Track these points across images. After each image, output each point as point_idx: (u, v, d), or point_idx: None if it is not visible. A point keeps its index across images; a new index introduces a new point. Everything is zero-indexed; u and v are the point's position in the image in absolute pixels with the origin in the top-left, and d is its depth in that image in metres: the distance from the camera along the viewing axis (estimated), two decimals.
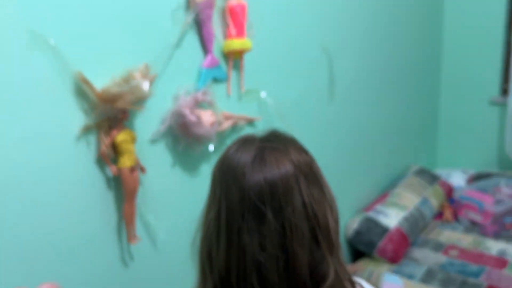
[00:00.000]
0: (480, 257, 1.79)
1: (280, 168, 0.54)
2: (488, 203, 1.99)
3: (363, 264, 1.78)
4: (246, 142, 0.58)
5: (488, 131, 2.53)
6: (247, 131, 1.22)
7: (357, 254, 1.88)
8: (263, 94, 1.22)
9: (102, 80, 0.85)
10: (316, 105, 1.51)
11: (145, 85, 0.85)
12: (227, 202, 0.55)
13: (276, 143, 0.57)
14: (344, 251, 1.85)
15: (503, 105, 2.39)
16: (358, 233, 1.80)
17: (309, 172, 0.56)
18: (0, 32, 0.72)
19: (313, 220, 0.54)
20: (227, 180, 0.55)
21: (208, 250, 0.57)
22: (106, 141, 0.86)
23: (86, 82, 0.82)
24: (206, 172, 1.12)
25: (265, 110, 1.25)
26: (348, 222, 1.84)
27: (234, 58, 1.13)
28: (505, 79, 2.38)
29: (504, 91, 2.38)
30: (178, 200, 1.06)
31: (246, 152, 0.56)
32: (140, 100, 0.88)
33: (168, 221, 1.04)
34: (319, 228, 0.55)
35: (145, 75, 0.89)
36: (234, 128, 1.16)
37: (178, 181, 1.06)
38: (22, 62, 0.75)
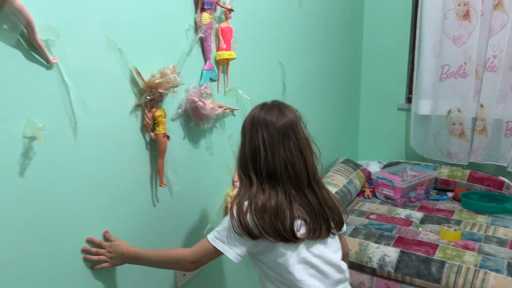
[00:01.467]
0: (392, 219, 2.25)
1: (293, 114, 1.14)
2: (397, 181, 2.45)
3: None
4: (265, 105, 1.14)
5: (397, 130, 3.02)
6: (231, 117, 1.67)
7: None
8: (240, 91, 1.68)
9: (146, 74, 1.26)
10: None
11: (177, 78, 1.28)
12: (268, 135, 1.11)
13: (283, 104, 1.09)
14: None
15: (408, 110, 2.92)
16: None
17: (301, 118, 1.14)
18: (89, 38, 1.10)
19: (309, 140, 1.11)
20: (266, 125, 1.12)
21: (253, 160, 1.13)
22: (149, 115, 1.27)
23: (138, 74, 1.22)
24: (206, 143, 1.55)
25: (242, 102, 1.71)
26: None
27: (223, 64, 1.56)
28: (410, 91, 2.92)
29: (409, 99, 2.93)
30: (187, 162, 1.47)
31: (270, 109, 1.14)
32: (172, 87, 1.30)
33: (180, 178, 1.44)
34: (311, 146, 1.11)
35: (173, 72, 1.31)
36: (223, 114, 1.61)
37: (188, 148, 1.46)
38: (102, 59, 1.12)
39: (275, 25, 1.90)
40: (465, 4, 2.47)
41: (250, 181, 1.16)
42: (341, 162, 2.70)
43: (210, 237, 1.18)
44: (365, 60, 3.05)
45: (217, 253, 1.17)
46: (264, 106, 1.19)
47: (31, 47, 0.95)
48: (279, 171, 1.13)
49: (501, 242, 2.00)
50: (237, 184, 1.68)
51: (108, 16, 1.12)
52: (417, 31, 2.72)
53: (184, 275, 1.51)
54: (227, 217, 1.16)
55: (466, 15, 2.48)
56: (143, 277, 1.35)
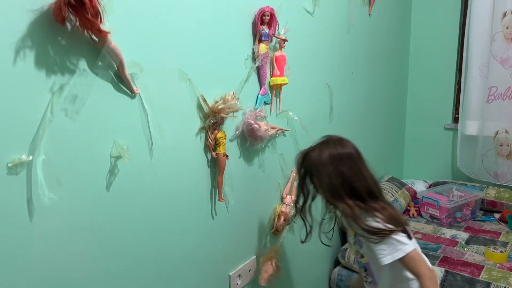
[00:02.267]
0: (437, 239, 2.28)
1: (353, 146, 1.34)
2: (443, 201, 2.46)
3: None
4: (328, 142, 1.39)
5: (443, 150, 3.03)
6: (281, 137, 1.80)
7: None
8: (291, 113, 1.81)
9: (210, 100, 1.40)
10: (321, 122, 2.06)
11: (237, 104, 1.43)
12: (352, 163, 1.34)
13: (336, 137, 1.38)
14: (337, 234, 2.38)
15: (455, 130, 2.92)
16: None
17: None
18: (165, 70, 1.25)
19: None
20: (347, 156, 1.36)
21: (345, 188, 1.32)
22: (211, 136, 1.42)
23: (204, 100, 1.38)
24: (259, 161, 1.68)
25: (292, 123, 1.83)
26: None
27: (276, 89, 1.70)
28: (456, 111, 2.93)
29: (456, 119, 2.94)
30: (242, 179, 1.60)
31: (337, 143, 1.40)
32: (232, 112, 1.45)
33: (236, 192, 1.58)
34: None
35: (233, 98, 1.45)
36: (275, 135, 1.73)
37: (243, 166, 1.60)
38: (175, 88, 1.28)
39: (324, 50, 2.02)
40: None
41: (348, 205, 1.33)
42: (386, 181, 2.75)
43: (408, 248, 1.29)
44: (412, 80, 3.10)
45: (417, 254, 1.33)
46: (328, 143, 1.41)
47: (120, 79, 1.12)
48: (374, 188, 1.36)
49: None
50: (286, 200, 1.80)
51: (180, 49, 1.28)
52: (464, 53, 2.74)
53: (237, 283, 1.64)
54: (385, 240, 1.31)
55: None
56: (199, 283, 1.48)
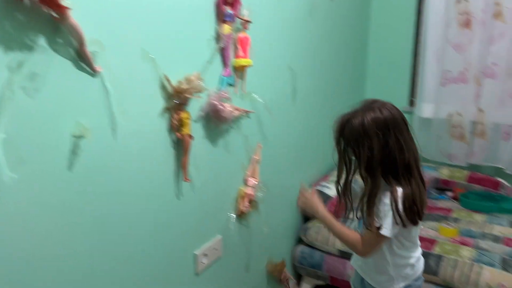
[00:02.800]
0: None
1: (399, 112, 1.30)
2: None
3: (314, 222, 2.40)
4: (370, 107, 1.31)
5: None
6: (246, 119, 1.81)
7: (309, 216, 2.49)
8: (255, 95, 1.83)
9: (174, 80, 1.39)
10: (285, 104, 2.09)
11: (202, 84, 1.43)
12: (391, 137, 1.24)
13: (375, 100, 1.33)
14: (298, 214, 2.45)
15: (411, 113, 3.00)
16: None
17: None
18: (127, 49, 1.24)
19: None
20: (394, 122, 1.25)
21: (384, 161, 1.25)
22: (176, 117, 1.42)
23: (168, 80, 1.37)
24: (224, 143, 1.70)
25: (256, 105, 1.85)
26: None
27: (240, 70, 1.72)
28: (412, 94, 3.04)
29: (411, 103, 3.05)
30: (207, 160, 1.62)
31: (380, 107, 1.29)
32: (197, 92, 1.45)
33: (201, 173, 1.59)
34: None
35: (197, 78, 1.45)
36: (239, 117, 1.75)
37: (208, 147, 1.61)
38: (138, 67, 1.27)
39: (287, 32, 2.04)
40: (466, 13, 2.60)
41: (377, 184, 1.27)
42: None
43: (385, 232, 1.28)
44: (370, 64, 3.19)
45: (384, 240, 1.34)
46: (373, 108, 1.27)
47: (80, 57, 1.09)
48: (412, 162, 1.27)
49: (496, 239, 2.13)
50: (249, 182, 1.82)
51: (142, 28, 1.26)
52: (420, 38, 2.84)
53: (203, 262, 1.66)
54: (390, 213, 1.27)
55: (467, 24, 2.61)
56: (165, 261, 1.50)
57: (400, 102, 3.10)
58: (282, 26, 1.98)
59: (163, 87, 1.37)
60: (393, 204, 1.27)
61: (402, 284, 1.45)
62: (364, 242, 1.37)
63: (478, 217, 2.41)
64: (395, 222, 1.28)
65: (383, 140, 1.24)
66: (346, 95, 2.92)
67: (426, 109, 2.88)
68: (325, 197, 2.38)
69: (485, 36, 2.58)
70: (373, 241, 1.34)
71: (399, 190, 1.27)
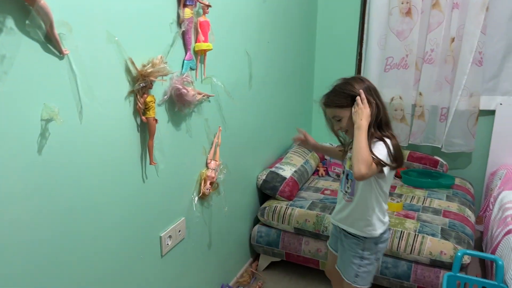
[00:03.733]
0: None
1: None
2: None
3: (270, 202, 2.50)
4: (359, 78, 1.63)
5: None
6: (206, 103, 1.84)
7: (265, 197, 2.54)
8: (215, 79, 1.86)
9: (138, 64, 1.40)
10: (242, 89, 2.14)
11: (166, 67, 1.44)
12: (379, 98, 1.57)
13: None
14: (255, 195, 2.53)
15: None
16: (265, 181, 2.44)
17: None
18: (93, 32, 1.23)
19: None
20: (376, 89, 1.58)
21: (377, 118, 1.55)
22: (141, 100, 1.42)
23: (133, 63, 1.37)
24: (186, 126, 1.72)
25: (216, 89, 1.89)
26: (258, 175, 2.47)
27: (201, 55, 1.74)
28: None
29: None
30: (171, 143, 1.64)
31: (366, 79, 1.61)
32: (162, 76, 1.45)
33: (166, 156, 1.61)
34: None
35: (161, 62, 1.46)
36: (200, 100, 1.77)
37: (171, 131, 1.63)
38: (103, 50, 1.25)
39: (243, 18, 2.08)
40: (407, 2, 2.77)
41: (372, 132, 1.53)
42: (298, 145, 2.94)
43: (385, 168, 1.53)
44: (319, 50, 3.30)
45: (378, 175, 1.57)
46: (361, 79, 1.61)
47: (48, 40, 1.07)
48: (388, 119, 1.61)
49: (436, 212, 2.34)
50: (210, 165, 1.87)
51: (107, 11, 1.25)
52: (365, 25, 3.00)
53: (168, 244, 1.69)
54: (385, 151, 1.52)
55: (408, 12, 2.78)
56: (131, 245, 1.51)
57: None
58: (239, 10, 2.02)
59: (128, 70, 1.37)
60: (388, 150, 1.52)
61: (380, 230, 1.66)
62: (370, 167, 1.48)
63: (419, 193, 2.62)
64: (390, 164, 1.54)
65: (378, 102, 1.55)
66: (298, 81, 3.02)
67: None
68: (280, 178, 2.47)
69: (424, 24, 2.77)
70: (374, 169, 1.50)
71: (388, 141, 1.54)
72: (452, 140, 2.89)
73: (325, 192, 2.60)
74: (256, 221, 2.51)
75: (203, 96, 1.76)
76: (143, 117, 1.44)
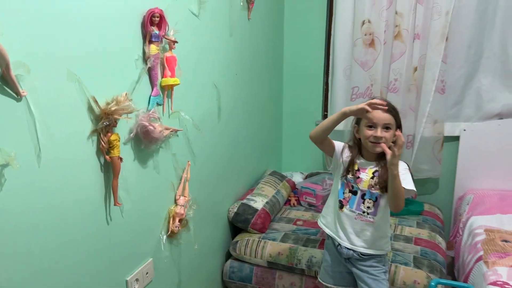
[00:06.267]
0: (316, 224, 2.53)
1: None
2: (319, 190, 2.73)
3: (242, 236, 2.42)
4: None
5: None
6: (174, 137, 1.80)
7: (237, 230, 2.48)
8: (183, 114, 1.83)
9: (102, 102, 1.35)
10: (211, 122, 2.11)
11: (131, 105, 1.40)
12: None
13: None
14: (227, 229, 2.47)
15: None
16: (237, 214, 2.39)
17: None
18: (53, 71, 1.18)
19: None
20: None
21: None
22: (104, 139, 1.37)
23: (95, 101, 1.33)
24: (154, 163, 1.67)
25: (184, 123, 1.85)
26: (230, 208, 2.43)
27: (168, 89, 1.71)
28: (325, 108, 3.22)
29: (325, 116, 3.22)
30: (138, 182, 1.58)
31: None
32: (126, 113, 1.41)
33: (132, 195, 1.55)
34: None
35: (126, 99, 1.42)
36: (168, 136, 1.73)
37: (138, 169, 1.57)
38: (64, 89, 1.20)
39: (210, 52, 2.07)
40: (370, 34, 2.85)
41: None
42: (269, 175, 2.93)
43: (411, 186, 1.67)
44: (286, 81, 3.32)
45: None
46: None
47: (4, 82, 1.02)
48: None
49: (407, 239, 2.35)
50: (179, 201, 1.82)
51: (68, 49, 1.21)
52: (330, 56, 3.06)
53: (135, 287, 1.61)
54: (408, 174, 1.69)
55: (372, 43, 2.86)
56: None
57: (314, 116, 3.30)
58: (206, 44, 2.01)
59: (91, 109, 1.32)
60: (409, 168, 1.70)
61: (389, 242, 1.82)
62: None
63: (390, 220, 2.62)
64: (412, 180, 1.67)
65: None
66: (267, 112, 3.02)
67: None
68: (252, 210, 2.44)
69: (387, 54, 2.85)
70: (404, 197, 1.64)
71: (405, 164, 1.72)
72: (419, 167, 2.94)
73: (297, 222, 2.57)
74: (228, 255, 2.44)
75: (171, 131, 1.72)
76: (107, 157, 1.38)
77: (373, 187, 1.70)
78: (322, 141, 1.75)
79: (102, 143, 1.36)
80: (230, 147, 2.41)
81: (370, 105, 1.60)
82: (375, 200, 1.71)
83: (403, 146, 1.59)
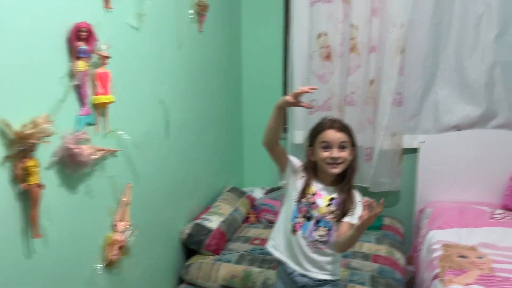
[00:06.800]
0: None
1: None
2: (278, 206, 2.64)
3: (196, 258, 2.30)
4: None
5: None
6: (112, 158, 1.68)
7: (191, 252, 2.35)
8: (120, 132, 1.71)
9: (18, 124, 1.23)
10: (157, 138, 2.01)
11: (50, 127, 1.28)
12: None
13: None
14: (179, 251, 2.35)
15: (285, 139, 3.08)
16: (190, 235, 2.28)
17: None
18: None
19: None
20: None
21: None
22: (20, 166, 1.25)
23: (7, 125, 1.20)
24: (85, 187, 1.55)
25: (123, 143, 1.74)
26: (182, 229, 2.31)
27: (101, 108, 1.59)
28: (285, 122, 3.13)
29: (284, 130, 3.09)
30: (65, 209, 1.45)
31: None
32: (45, 137, 1.29)
33: (57, 225, 1.42)
34: None
35: (46, 121, 1.30)
36: (103, 157, 1.61)
37: (64, 195, 1.44)
38: None
39: (154, 66, 1.97)
40: (327, 47, 2.81)
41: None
42: (227, 191, 2.82)
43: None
44: (245, 94, 3.25)
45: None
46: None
47: None
48: None
49: (365, 257, 2.28)
50: (118, 227, 1.69)
51: None
52: (288, 69, 3.00)
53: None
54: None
55: (328, 57, 2.82)
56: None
57: None
58: (148, 59, 1.91)
59: (3, 133, 1.20)
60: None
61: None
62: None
63: None
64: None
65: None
66: (225, 126, 2.93)
67: (297, 135, 3.00)
68: (206, 231, 2.33)
69: (344, 67, 2.81)
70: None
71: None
72: (379, 180, 2.90)
73: (255, 241, 2.47)
74: (181, 280, 2.32)
75: (105, 152, 1.60)
76: (24, 185, 1.26)
77: (328, 215, 1.62)
78: (274, 146, 1.65)
79: (17, 170, 1.24)
80: (182, 164, 2.30)
81: (294, 94, 1.51)
82: (329, 229, 1.61)
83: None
